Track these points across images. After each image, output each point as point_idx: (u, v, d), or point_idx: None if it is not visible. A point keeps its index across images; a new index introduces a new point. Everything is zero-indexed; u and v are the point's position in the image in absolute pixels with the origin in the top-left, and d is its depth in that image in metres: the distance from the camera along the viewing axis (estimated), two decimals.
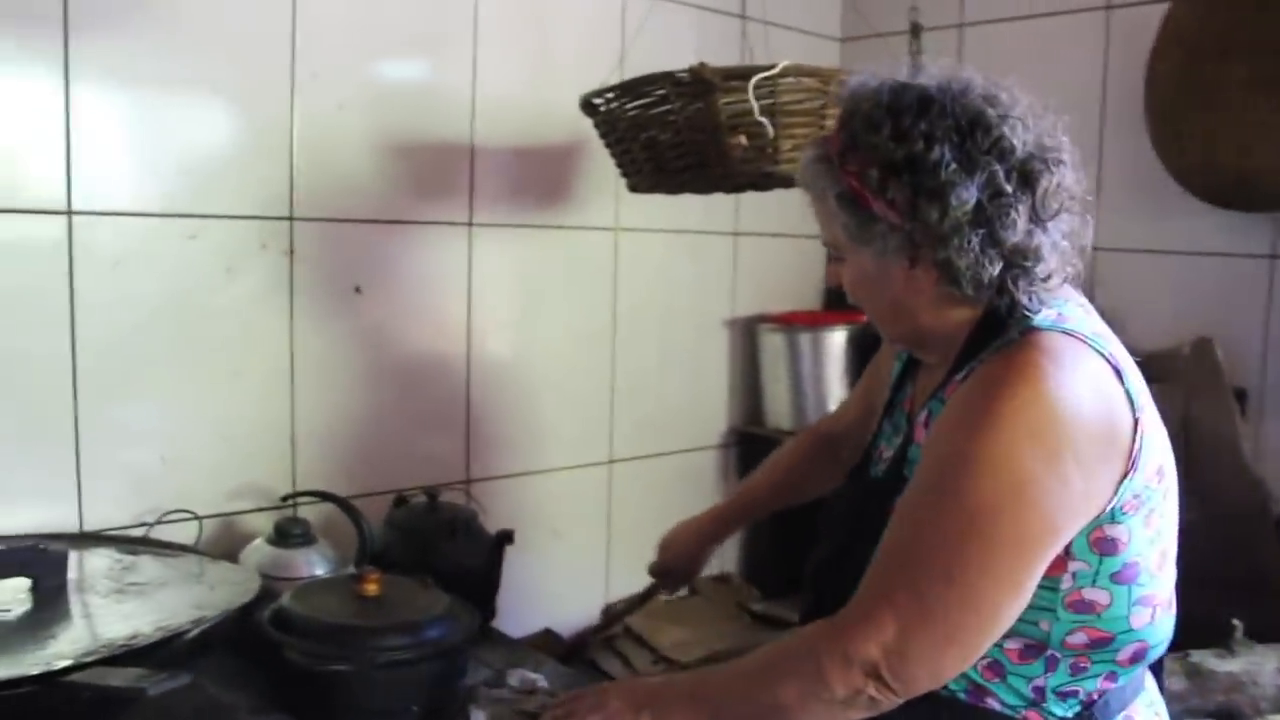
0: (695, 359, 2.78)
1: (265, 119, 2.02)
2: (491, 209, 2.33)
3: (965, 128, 1.17)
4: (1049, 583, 1.15)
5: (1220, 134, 2.17)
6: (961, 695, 1.22)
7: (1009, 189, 1.16)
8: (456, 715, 1.54)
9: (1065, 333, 1.18)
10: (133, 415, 1.93)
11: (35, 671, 1.27)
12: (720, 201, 2.53)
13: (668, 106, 1.88)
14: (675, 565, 1.93)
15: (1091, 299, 1.33)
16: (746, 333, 2.85)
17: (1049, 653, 1.19)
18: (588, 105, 2.03)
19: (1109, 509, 1.13)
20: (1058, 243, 1.20)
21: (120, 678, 1.17)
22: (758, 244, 2.85)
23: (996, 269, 1.17)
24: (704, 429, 2.82)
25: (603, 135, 2.08)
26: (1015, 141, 1.17)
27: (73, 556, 1.68)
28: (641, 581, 2.02)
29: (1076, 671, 1.19)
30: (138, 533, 1.91)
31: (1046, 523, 1.10)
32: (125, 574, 1.70)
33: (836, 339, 2.70)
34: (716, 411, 2.83)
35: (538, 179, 2.40)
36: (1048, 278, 1.19)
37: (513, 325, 2.42)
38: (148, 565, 1.75)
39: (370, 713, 1.55)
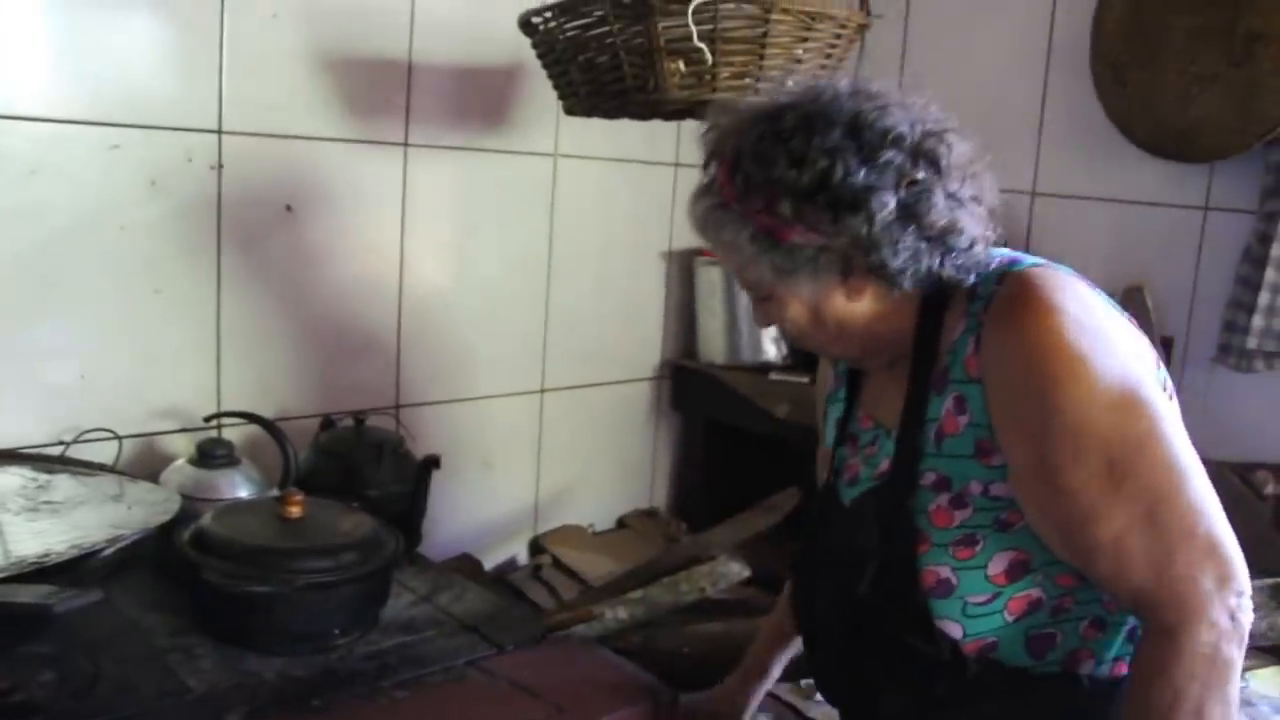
0: (631, 290, 2.75)
1: (194, 25, 1.94)
2: (428, 130, 2.28)
3: (852, 131, 1.15)
4: None
5: (1163, 84, 2.18)
6: (1055, 669, 1.21)
7: (920, 175, 1.15)
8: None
9: (1032, 267, 1.20)
10: (50, 331, 1.88)
11: None
12: (662, 132, 2.50)
13: (606, 28, 1.85)
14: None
15: (1027, 244, 1.33)
16: (683, 266, 2.82)
17: None
18: (526, 24, 1.99)
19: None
20: (974, 210, 1.19)
21: (27, 594, 1.14)
22: (698, 176, 2.81)
23: (935, 258, 1.16)
24: (637, 361, 2.81)
25: (540, 56, 2.04)
26: (902, 128, 1.16)
27: None
28: (567, 515, 2.00)
29: None
30: (55, 451, 1.86)
31: (1159, 391, 1.15)
32: (40, 492, 1.66)
33: None
34: (650, 344, 2.82)
35: (477, 100, 2.35)
36: (971, 246, 1.18)
37: (447, 249, 2.38)
38: (64, 484, 1.71)
39: (290, 635, 1.54)
